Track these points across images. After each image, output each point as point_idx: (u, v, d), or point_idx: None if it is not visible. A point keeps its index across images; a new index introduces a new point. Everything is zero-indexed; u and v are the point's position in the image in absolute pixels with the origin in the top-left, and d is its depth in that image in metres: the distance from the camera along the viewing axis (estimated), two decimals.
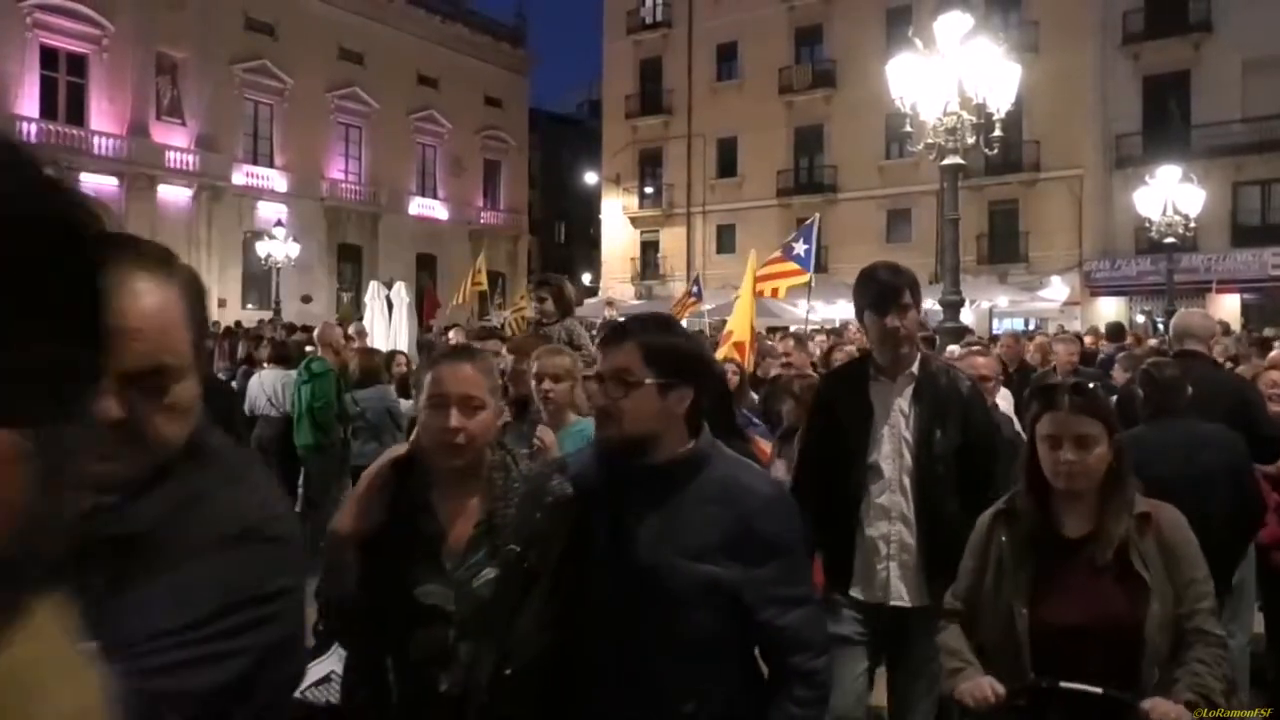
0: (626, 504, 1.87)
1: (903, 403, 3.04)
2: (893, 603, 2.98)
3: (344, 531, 1.94)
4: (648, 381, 1.82)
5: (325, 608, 1.99)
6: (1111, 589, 2.15)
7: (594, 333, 7.58)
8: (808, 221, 9.75)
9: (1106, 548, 2.16)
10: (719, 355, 7.20)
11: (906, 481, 2.99)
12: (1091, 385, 2.31)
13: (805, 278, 9.32)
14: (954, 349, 7.32)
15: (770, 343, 8.98)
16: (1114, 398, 5.95)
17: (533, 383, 3.43)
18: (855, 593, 3.04)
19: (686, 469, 1.87)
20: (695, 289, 18.03)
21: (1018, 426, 4.16)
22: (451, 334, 10.05)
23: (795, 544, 1.92)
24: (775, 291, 9.96)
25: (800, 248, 9.38)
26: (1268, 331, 13.32)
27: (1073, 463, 2.16)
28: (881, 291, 3.01)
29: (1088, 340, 10.69)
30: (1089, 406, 2.20)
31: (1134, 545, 2.16)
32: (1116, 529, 2.16)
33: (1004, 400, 5.06)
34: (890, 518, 3.00)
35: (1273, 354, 5.24)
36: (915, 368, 3.07)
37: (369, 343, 10.96)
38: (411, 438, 2.14)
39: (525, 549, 1.87)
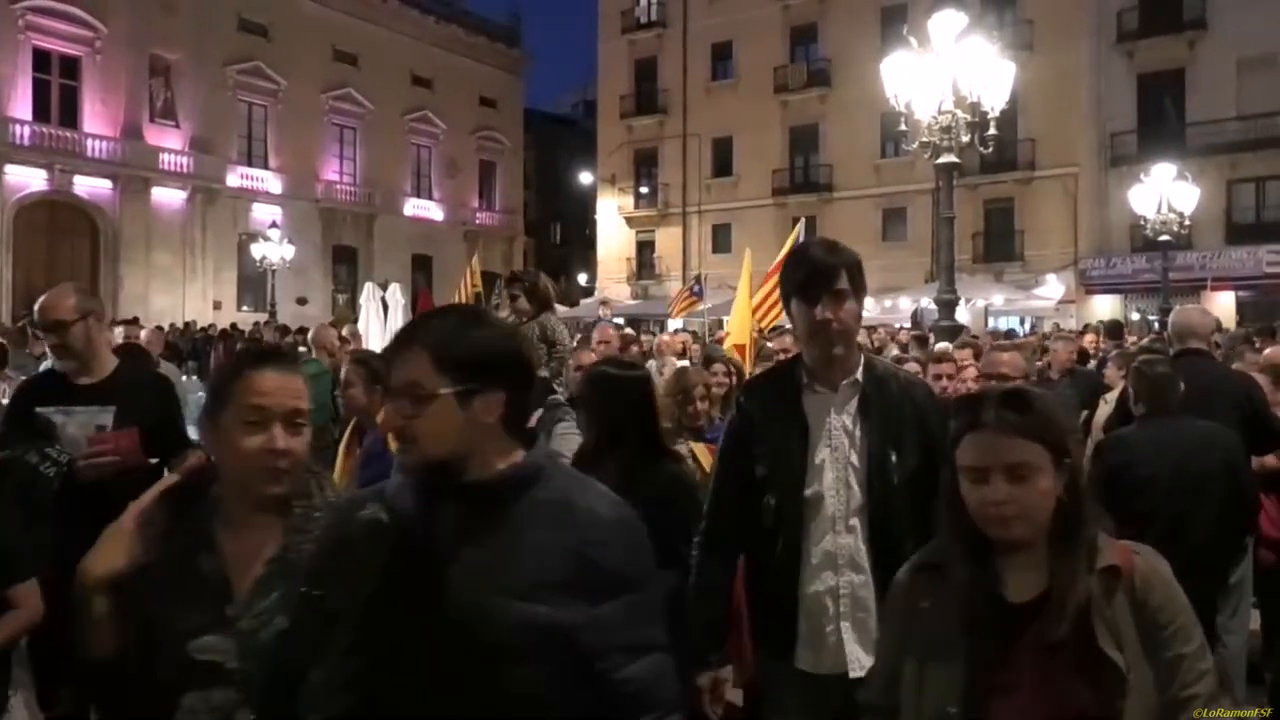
0: (442, 533, 1.54)
1: (846, 419, 2.43)
2: (853, 674, 2.32)
3: (96, 574, 1.62)
4: (442, 392, 1.50)
5: (78, 668, 1.70)
6: (1071, 676, 1.58)
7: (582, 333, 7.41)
8: (796, 231, 9.73)
9: (1059, 619, 1.59)
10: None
11: (855, 520, 2.38)
12: (1031, 393, 1.73)
13: None
14: (946, 346, 7.30)
15: (769, 345, 8.87)
16: (1107, 395, 5.96)
17: None
18: (801, 664, 2.40)
19: (510, 488, 1.55)
20: (696, 288, 18.00)
21: None
22: None
23: (642, 578, 1.59)
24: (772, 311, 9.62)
25: None
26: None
27: (1002, 503, 1.60)
28: (811, 274, 2.39)
29: (1089, 340, 10.62)
30: (1025, 425, 1.62)
31: (1098, 613, 1.59)
32: (1072, 592, 1.59)
33: None
34: (837, 566, 2.37)
35: (1267, 352, 5.22)
36: (860, 373, 2.45)
37: (364, 344, 10.92)
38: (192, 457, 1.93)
39: (325, 591, 1.56)
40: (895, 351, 9.75)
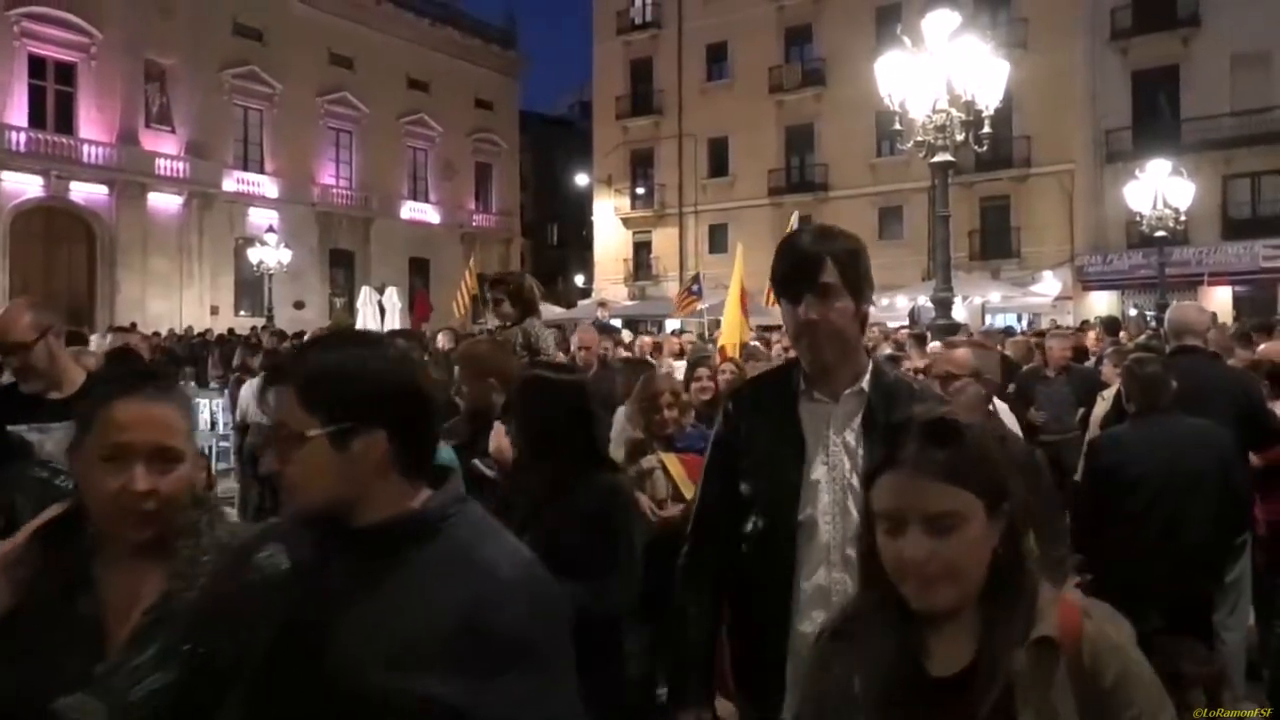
0: (330, 584, 1.35)
1: (849, 435, 2.06)
2: None
3: None
4: (311, 434, 1.32)
5: None
6: None
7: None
8: (791, 223, 9.78)
9: (984, 699, 1.26)
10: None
11: (852, 551, 1.95)
12: (961, 425, 1.36)
13: None
14: (935, 346, 7.28)
15: (755, 344, 8.81)
16: (1104, 392, 5.95)
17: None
18: (788, 716, 2.05)
19: (403, 536, 1.35)
20: (695, 287, 17.95)
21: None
22: (441, 337, 10.01)
23: (545, 648, 1.34)
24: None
25: None
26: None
27: (923, 562, 1.27)
28: (794, 266, 2.04)
29: (1090, 337, 10.60)
30: (950, 466, 1.29)
31: (1022, 694, 1.26)
32: (999, 667, 1.27)
33: (1005, 415, 4.12)
34: (830, 604, 1.99)
35: (1263, 348, 5.22)
36: (866, 382, 2.08)
37: None
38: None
39: (210, 646, 1.39)
40: (889, 350, 9.75)
